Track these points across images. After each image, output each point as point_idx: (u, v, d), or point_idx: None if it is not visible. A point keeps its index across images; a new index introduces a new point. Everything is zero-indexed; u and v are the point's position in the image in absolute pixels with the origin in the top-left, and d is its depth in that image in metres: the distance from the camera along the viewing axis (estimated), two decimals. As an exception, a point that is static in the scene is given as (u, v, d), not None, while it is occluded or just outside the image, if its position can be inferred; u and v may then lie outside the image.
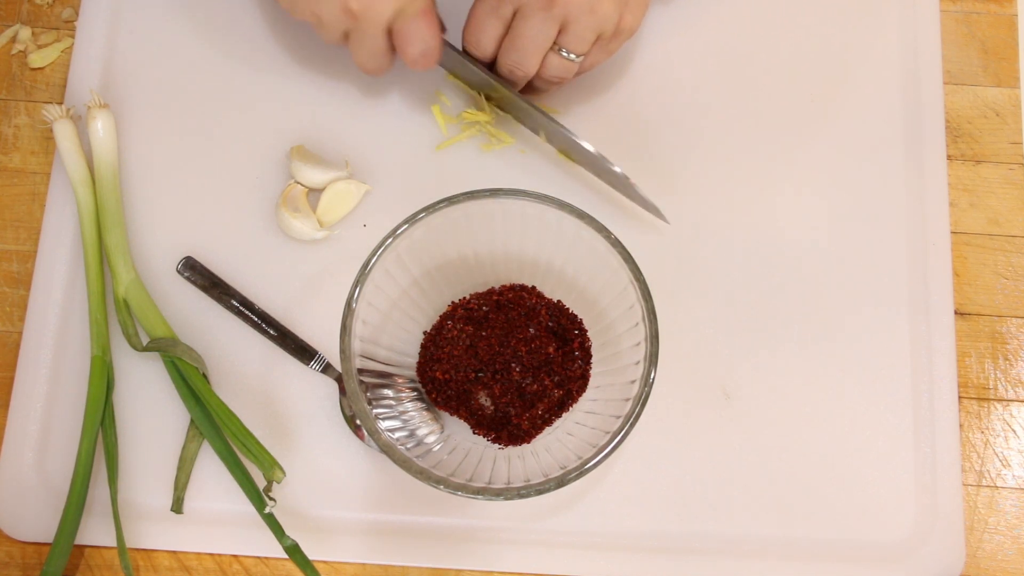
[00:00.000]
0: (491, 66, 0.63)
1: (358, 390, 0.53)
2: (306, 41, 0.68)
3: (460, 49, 0.62)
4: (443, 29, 0.61)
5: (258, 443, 0.59)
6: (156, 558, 0.61)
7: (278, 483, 0.58)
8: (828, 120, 0.67)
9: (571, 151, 0.64)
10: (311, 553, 0.59)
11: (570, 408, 0.60)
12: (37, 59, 0.69)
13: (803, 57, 0.68)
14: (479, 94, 0.65)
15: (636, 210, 0.64)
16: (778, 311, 0.64)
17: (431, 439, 0.59)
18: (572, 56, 0.59)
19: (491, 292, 0.61)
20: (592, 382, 0.60)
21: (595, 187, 0.65)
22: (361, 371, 0.55)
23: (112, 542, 0.59)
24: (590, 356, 0.60)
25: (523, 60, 0.59)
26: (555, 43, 0.59)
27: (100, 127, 0.64)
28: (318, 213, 0.64)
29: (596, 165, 0.63)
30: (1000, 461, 0.63)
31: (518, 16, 0.58)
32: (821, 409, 0.63)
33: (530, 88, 0.64)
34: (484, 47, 0.60)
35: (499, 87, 0.62)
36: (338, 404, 0.62)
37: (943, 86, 0.68)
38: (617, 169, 0.62)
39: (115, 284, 0.62)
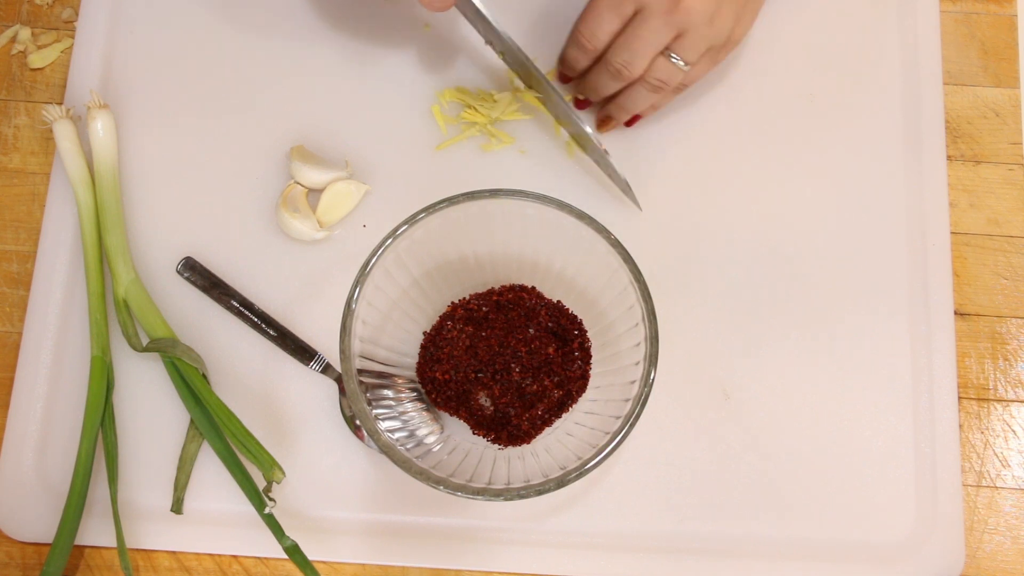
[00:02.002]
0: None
1: (358, 390, 0.53)
2: (306, 42, 0.68)
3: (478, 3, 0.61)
4: None
5: (258, 443, 0.59)
6: (156, 558, 0.61)
7: (278, 483, 0.58)
8: (828, 120, 0.67)
9: (564, 120, 0.64)
10: (311, 553, 0.59)
11: (570, 408, 0.60)
12: (37, 59, 0.69)
13: (803, 57, 0.68)
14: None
15: (637, 212, 0.64)
16: (778, 311, 0.64)
17: (431, 439, 0.59)
18: (681, 63, 0.60)
19: (491, 292, 0.61)
20: (592, 382, 0.60)
21: (597, 188, 0.65)
22: (361, 371, 0.55)
23: (112, 542, 0.59)
24: (590, 356, 0.60)
25: (634, 60, 0.59)
26: (666, 48, 0.59)
27: (100, 127, 0.64)
28: (318, 213, 0.64)
29: (582, 138, 0.64)
30: (1000, 461, 0.63)
31: (638, 16, 0.58)
32: (821, 409, 0.63)
33: (623, 95, 0.63)
34: (599, 40, 0.60)
35: (509, 44, 0.62)
36: (338, 404, 0.62)
37: (943, 86, 0.68)
38: (589, 130, 0.62)
39: (115, 284, 0.62)
